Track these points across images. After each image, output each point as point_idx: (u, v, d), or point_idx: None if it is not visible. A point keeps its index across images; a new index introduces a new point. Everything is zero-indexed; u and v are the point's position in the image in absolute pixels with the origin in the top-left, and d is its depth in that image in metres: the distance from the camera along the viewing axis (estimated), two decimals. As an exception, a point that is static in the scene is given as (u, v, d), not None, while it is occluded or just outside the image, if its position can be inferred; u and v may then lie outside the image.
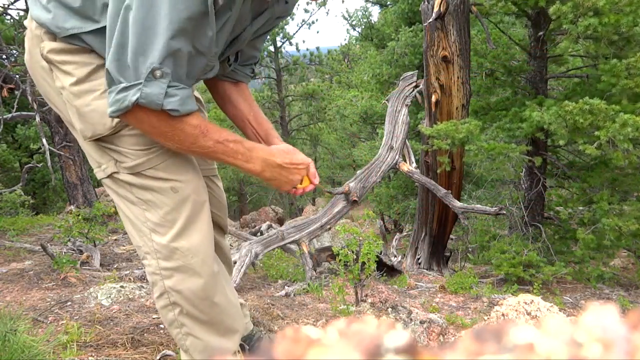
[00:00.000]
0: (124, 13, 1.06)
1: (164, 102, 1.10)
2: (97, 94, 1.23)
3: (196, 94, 1.55)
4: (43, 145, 5.76)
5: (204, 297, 1.36)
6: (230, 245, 4.06)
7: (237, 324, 1.50)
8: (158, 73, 1.07)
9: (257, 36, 1.42)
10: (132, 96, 1.08)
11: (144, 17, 1.04)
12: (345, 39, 21.00)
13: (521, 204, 5.74)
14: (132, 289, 2.61)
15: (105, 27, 1.15)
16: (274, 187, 1.34)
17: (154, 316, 2.24)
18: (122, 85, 1.09)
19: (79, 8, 1.19)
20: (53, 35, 1.24)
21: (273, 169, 1.29)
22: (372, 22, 12.42)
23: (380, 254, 3.89)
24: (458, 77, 5.02)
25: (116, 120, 1.21)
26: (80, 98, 1.23)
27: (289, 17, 14.00)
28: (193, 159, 1.38)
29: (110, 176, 1.30)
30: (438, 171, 5.24)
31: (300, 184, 1.37)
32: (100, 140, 1.27)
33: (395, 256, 5.79)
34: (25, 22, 1.33)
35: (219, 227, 1.66)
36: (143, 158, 1.26)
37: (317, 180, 1.40)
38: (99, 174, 1.32)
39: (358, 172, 4.32)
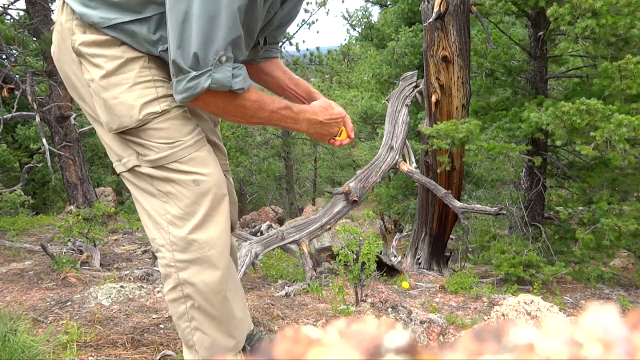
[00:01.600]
0: (186, 9, 1.13)
1: (232, 83, 1.20)
2: (125, 87, 1.26)
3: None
4: (43, 145, 5.77)
5: (218, 290, 1.37)
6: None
7: (244, 324, 1.51)
8: (223, 58, 1.17)
9: (285, 22, 1.49)
10: (204, 82, 1.18)
11: (207, 10, 1.12)
12: (345, 39, 20.97)
13: (521, 204, 5.74)
14: (132, 289, 2.61)
15: (147, 17, 1.23)
16: (316, 140, 1.49)
17: (154, 316, 2.25)
18: (193, 74, 1.17)
19: (121, 2, 1.24)
20: (84, 28, 1.27)
21: (316, 125, 1.42)
22: (372, 22, 12.42)
23: (380, 254, 3.89)
24: (458, 77, 5.02)
25: (143, 113, 1.26)
26: (109, 91, 1.26)
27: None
28: (213, 153, 1.40)
29: (130, 169, 1.32)
30: (438, 171, 5.24)
31: (339, 136, 1.51)
32: (125, 133, 1.29)
33: (395, 256, 5.79)
34: (53, 16, 1.37)
35: None
36: (168, 151, 1.29)
37: (353, 134, 1.53)
38: (119, 167, 1.35)
39: (358, 172, 4.32)
